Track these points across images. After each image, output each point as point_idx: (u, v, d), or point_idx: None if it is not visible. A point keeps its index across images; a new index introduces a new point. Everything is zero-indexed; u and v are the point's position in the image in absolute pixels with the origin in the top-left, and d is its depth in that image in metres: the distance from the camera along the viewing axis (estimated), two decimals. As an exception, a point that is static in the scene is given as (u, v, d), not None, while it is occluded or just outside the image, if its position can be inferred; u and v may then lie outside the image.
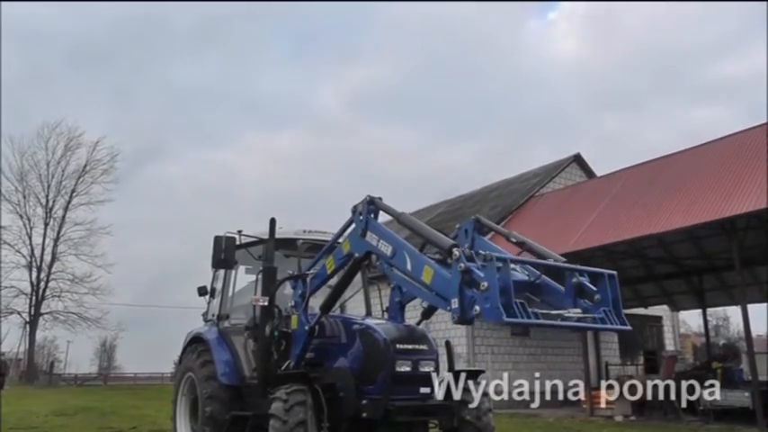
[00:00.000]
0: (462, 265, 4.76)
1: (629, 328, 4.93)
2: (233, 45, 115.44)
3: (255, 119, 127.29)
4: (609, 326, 4.85)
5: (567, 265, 5.24)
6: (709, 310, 25.27)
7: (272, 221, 7.30)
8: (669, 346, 26.64)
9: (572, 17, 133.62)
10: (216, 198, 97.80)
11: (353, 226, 6.42)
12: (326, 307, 6.68)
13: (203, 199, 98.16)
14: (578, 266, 5.17)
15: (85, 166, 46.14)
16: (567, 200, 22.13)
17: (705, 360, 20.94)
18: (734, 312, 42.07)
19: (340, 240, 6.71)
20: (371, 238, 6.12)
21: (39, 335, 46.39)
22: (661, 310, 26.00)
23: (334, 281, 6.88)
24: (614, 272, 5.01)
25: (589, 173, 26.11)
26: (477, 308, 4.59)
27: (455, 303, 4.80)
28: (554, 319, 4.82)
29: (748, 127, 18.12)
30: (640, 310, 25.08)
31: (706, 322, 24.36)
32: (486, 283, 4.52)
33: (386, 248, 5.90)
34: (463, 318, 4.77)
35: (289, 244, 7.71)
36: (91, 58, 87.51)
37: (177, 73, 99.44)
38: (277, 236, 7.34)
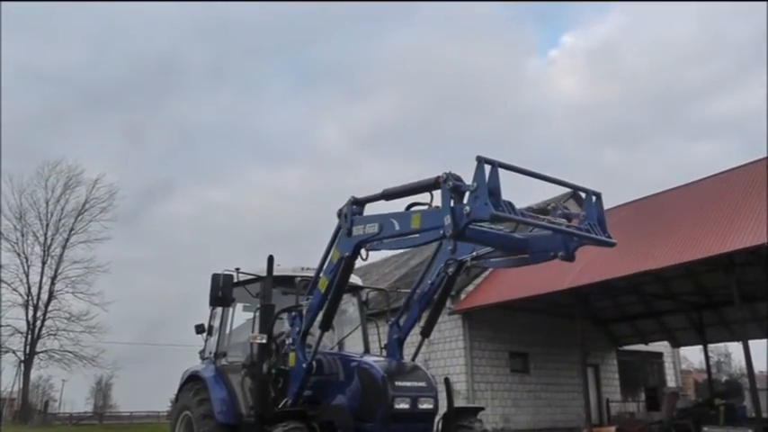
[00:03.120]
0: (450, 183, 4.86)
1: (613, 241, 5.06)
2: (240, 82, 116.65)
3: (259, 156, 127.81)
4: (594, 235, 4.98)
5: (548, 176, 5.24)
6: (711, 346, 25.17)
7: (270, 259, 7.31)
8: (670, 382, 26.43)
9: (573, 54, 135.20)
10: (218, 235, 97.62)
11: (341, 230, 6.40)
12: (325, 323, 6.59)
13: (206, 236, 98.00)
14: (563, 180, 5.30)
15: (85, 203, 46.15)
16: (565, 236, 22.14)
17: (707, 397, 20.74)
18: (735, 348, 41.83)
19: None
20: (357, 230, 6.13)
21: (33, 374, 45.86)
22: (662, 346, 25.86)
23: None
24: (600, 191, 5.19)
25: (587, 209, 26.17)
26: (467, 208, 4.66)
27: (447, 220, 4.84)
28: (542, 222, 4.95)
29: (746, 162, 18.27)
30: (641, 347, 24.97)
31: (707, 358, 24.18)
32: (475, 183, 4.62)
33: (372, 229, 5.92)
34: (456, 227, 4.79)
35: (287, 281, 7.69)
36: (103, 98, 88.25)
37: (186, 111, 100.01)
38: (275, 273, 7.34)
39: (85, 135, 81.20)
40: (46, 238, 45.30)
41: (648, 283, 18.98)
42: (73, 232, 45.68)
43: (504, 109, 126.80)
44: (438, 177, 5.00)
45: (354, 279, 8.68)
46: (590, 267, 17.29)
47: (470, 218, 4.66)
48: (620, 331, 24.60)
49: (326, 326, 6.63)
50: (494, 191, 4.55)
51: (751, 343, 15.27)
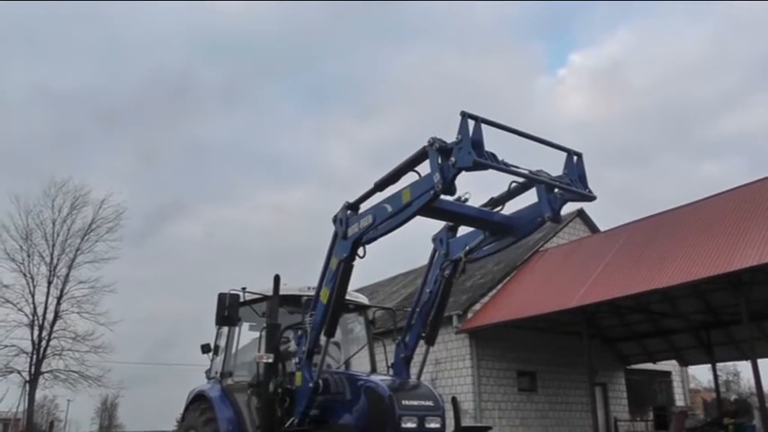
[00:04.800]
0: (437, 144, 5.01)
1: (593, 195, 5.31)
2: (251, 102, 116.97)
3: (268, 175, 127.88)
4: (574, 188, 5.22)
5: (530, 134, 5.33)
6: (720, 365, 24.98)
7: (276, 278, 7.30)
8: (679, 401, 26.20)
9: (581, 73, 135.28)
10: (226, 254, 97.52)
11: (337, 236, 6.40)
12: (329, 330, 6.54)
13: (214, 255, 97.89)
14: (545, 140, 5.39)
15: (91, 223, 46.25)
16: (572, 255, 22.12)
17: (716, 416, 20.56)
18: (744, 367, 41.39)
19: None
20: (353, 230, 6.15)
21: (39, 394, 45.73)
22: (670, 365, 25.67)
23: None
24: (581, 152, 5.41)
25: (593, 228, 26.13)
26: (453, 159, 4.85)
27: (437, 177, 4.99)
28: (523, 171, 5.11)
29: (752, 180, 18.22)
30: (649, 365, 24.81)
31: (716, 377, 23.98)
32: (459, 136, 4.82)
33: (367, 222, 5.96)
34: (445, 180, 4.94)
35: (293, 300, 7.67)
36: (114, 118, 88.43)
37: (197, 131, 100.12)
38: (281, 292, 7.33)
39: (96, 155, 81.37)
40: (52, 258, 45.35)
41: (656, 301, 18.89)
42: (79, 252, 45.72)
43: (512, 125, 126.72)
44: (425, 146, 5.15)
45: (361, 298, 8.70)
46: (596, 286, 17.27)
47: (456, 167, 4.83)
48: (627, 350, 24.46)
49: (331, 332, 6.56)
50: (477, 143, 4.76)
51: (760, 362, 15.19)
